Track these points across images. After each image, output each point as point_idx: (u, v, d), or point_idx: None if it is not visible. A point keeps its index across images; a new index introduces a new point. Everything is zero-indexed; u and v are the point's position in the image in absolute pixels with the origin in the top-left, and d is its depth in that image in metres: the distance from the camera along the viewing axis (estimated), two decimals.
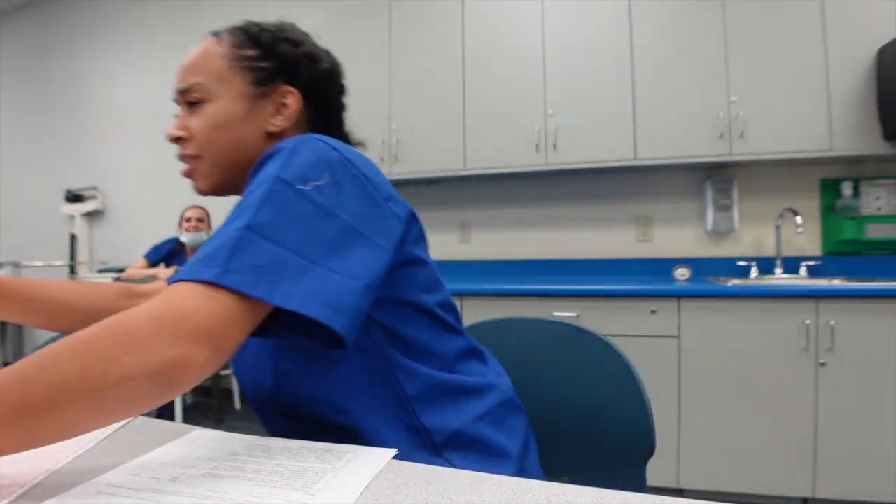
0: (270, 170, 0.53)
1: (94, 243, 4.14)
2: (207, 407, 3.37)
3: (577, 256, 2.71)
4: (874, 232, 2.23)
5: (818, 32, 2.10)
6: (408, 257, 0.60)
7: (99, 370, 0.40)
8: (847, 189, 2.28)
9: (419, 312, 0.62)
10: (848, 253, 2.31)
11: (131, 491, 0.42)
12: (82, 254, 4.10)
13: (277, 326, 0.52)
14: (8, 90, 4.56)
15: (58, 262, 4.05)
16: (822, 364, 1.83)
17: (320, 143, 0.56)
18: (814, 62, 2.11)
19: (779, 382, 1.87)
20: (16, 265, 4.10)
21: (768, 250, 2.42)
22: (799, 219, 2.22)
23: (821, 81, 2.11)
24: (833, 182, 2.33)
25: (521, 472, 0.65)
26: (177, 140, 0.67)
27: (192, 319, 0.44)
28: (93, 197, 4.07)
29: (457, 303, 2.24)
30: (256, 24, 0.72)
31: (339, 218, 0.52)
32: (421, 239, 0.65)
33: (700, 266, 2.49)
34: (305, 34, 0.74)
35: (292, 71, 0.69)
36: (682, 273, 2.35)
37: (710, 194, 2.45)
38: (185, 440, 0.55)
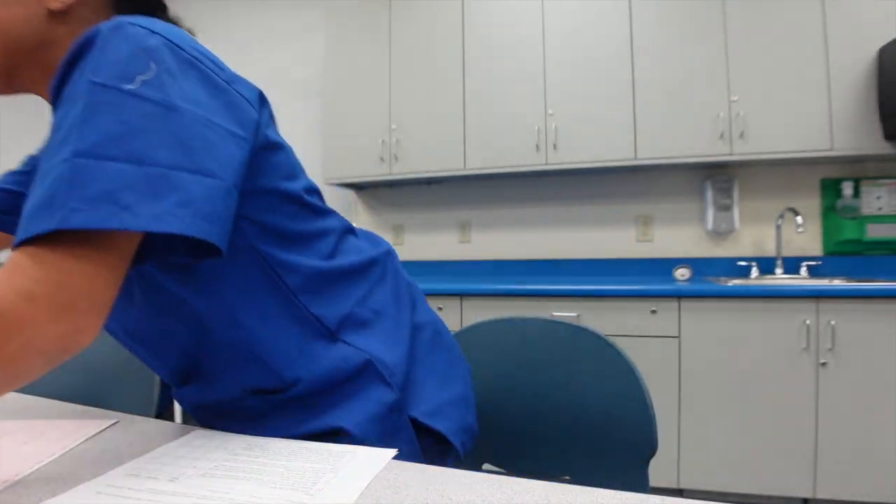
0: (80, 77, 0.43)
1: None
2: None
3: (578, 256, 2.71)
4: (875, 232, 2.23)
5: (819, 32, 2.10)
6: (265, 142, 0.55)
7: None
8: (848, 189, 2.28)
9: (286, 201, 0.57)
10: (848, 253, 2.31)
11: (131, 491, 0.42)
12: None
13: (140, 255, 0.47)
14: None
15: None
16: (823, 364, 1.83)
17: (133, 27, 0.45)
18: (814, 62, 2.11)
19: (779, 383, 1.87)
20: None
21: (769, 250, 2.42)
22: (799, 219, 2.22)
23: (821, 81, 2.10)
24: (834, 182, 2.33)
25: (413, 339, 0.66)
26: None
27: (66, 289, 0.39)
28: None
29: (456, 303, 2.24)
30: None
31: (183, 111, 0.45)
32: (273, 122, 0.59)
33: (700, 266, 2.49)
34: None
35: None
36: (682, 273, 2.34)
37: (710, 194, 2.45)
38: (185, 440, 0.55)
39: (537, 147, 2.45)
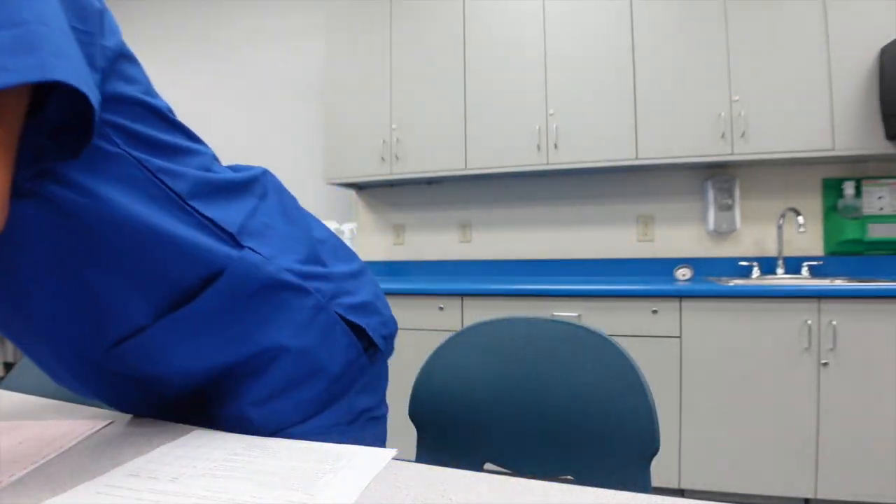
0: None
1: None
2: None
3: (579, 256, 2.70)
4: (876, 232, 2.23)
5: (820, 32, 2.10)
6: (121, 50, 0.52)
7: None
8: (849, 189, 2.27)
9: (153, 114, 0.55)
10: (850, 253, 2.30)
11: (131, 492, 0.42)
12: None
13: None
14: None
15: None
16: (824, 364, 1.83)
17: None
18: (816, 61, 2.11)
19: (780, 383, 1.87)
20: None
21: (770, 250, 2.42)
22: (801, 219, 2.21)
23: (823, 81, 2.10)
24: (835, 182, 2.33)
25: (310, 250, 0.65)
26: None
27: None
28: None
29: (457, 303, 2.24)
30: None
31: None
32: (120, 36, 0.54)
33: (701, 266, 2.49)
34: None
35: None
36: (683, 273, 2.34)
37: (711, 194, 2.45)
38: (185, 440, 0.55)
39: (538, 147, 2.45)
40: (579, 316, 2.08)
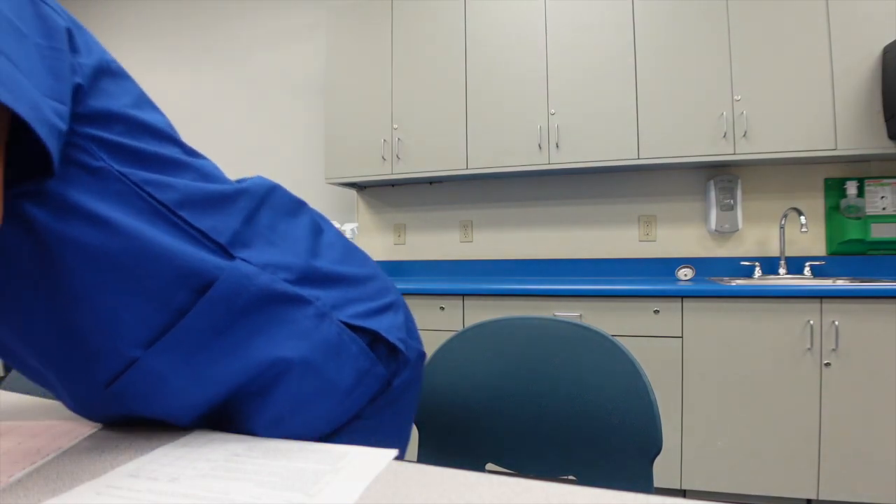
0: None
1: None
2: None
3: (580, 256, 2.70)
4: (879, 232, 2.22)
5: (822, 31, 2.09)
6: (100, 65, 0.51)
7: None
8: (851, 189, 2.27)
9: (140, 130, 0.53)
10: (852, 253, 2.30)
11: (131, 492, 0.42)
12: None
13: None
14: None
15: None
16: (827, 365, 1.83)
17: None
18: (818, 61, 2.10)
19: (783, 383, 1.87)
20: None
21: (772, 250, 2.41)
22: (803, 218, 2.21)
23: (825, 80, 2.10)
24: (837, 182, 2.32)
25: (313, 255, 0.63)
26: None
27: None
28: None
29: (458, 302, 2.24)
30: None
31: None
32: (105, 50, 0.54)
33: (703, 266, 2.48)
34: None
35: None
36: (685, 273, 2.34)
37: (713, 194, 2.44)
38: (185, 440, 0.55)
39: (539, 146, 2.45)
40: (581, 316, 2.07)
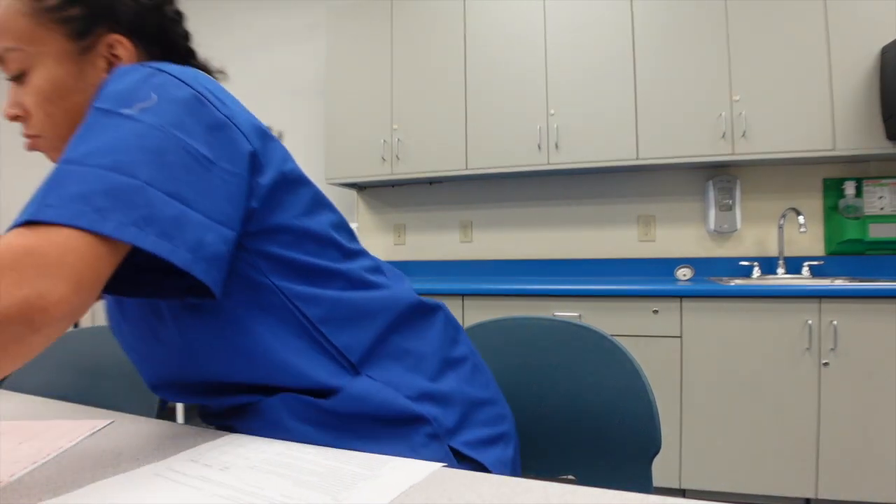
0: (90, 106, 0.48)
1: None
2: None
3: (579, 256, 2.70)
4: (877, 232, 2.22)
5: (821, 31, 2.09)
6: (278, 179, 0.55)
7: None
8: (850, 189, 2.27)
9: (306, 238, 0.57)
10: (851, 253, 2.30)
11: (184, 476, 0.45)
12: None
13: (137, 286, 0.49)
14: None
15: None
16: (825, 364, 1.83)
17: (143, 67, 0.51)
18: (817, 61, 2.10)
19: (781, 383, 1.87)
20: None
21: (771, 250, 2.42)
22: (801, 218, 2.21)
23: (824, 80, 2.10)
24: (836, 182, 2.32)
25: (440, 374, 0.63)
26: (15, 118, 0.59)
27: (32, 255, 0.39)
28: None
29: (458, 302, 2.24)
30: None
31: (173, 138, 0.46)
32: (287, 157, 0.59)
33: (702, 266, 2.49)
34: None
35: (108, 13, 0.58)
36: (684, 273, 2.34)
37: (712, 194, 2.45)
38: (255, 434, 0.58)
39: (539, 147, 2.45)
40: (580, 316, 2.08)
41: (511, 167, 2.50)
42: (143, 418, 0.66)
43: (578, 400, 0.82)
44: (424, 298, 0.67)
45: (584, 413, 0.81)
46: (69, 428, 0.61)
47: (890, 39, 2.01)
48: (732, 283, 2.12)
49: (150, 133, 0.45)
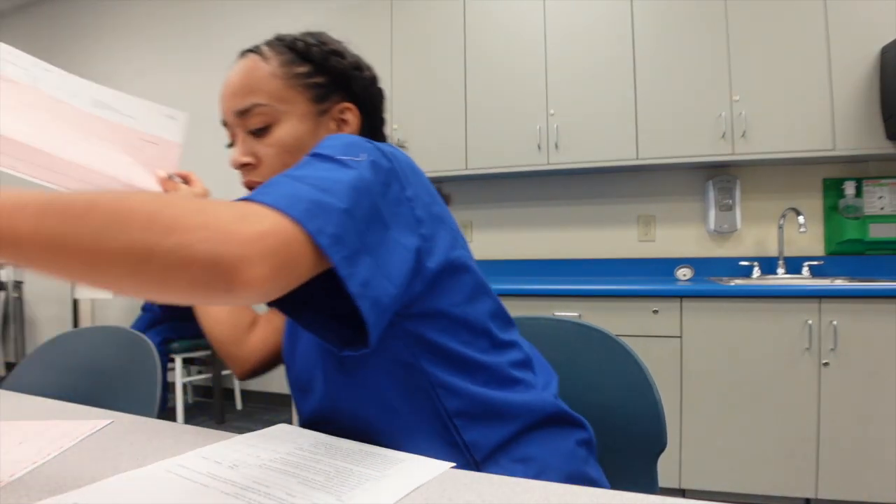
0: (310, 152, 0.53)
1: None
2: (209, 406, 3.37)
3: (579, 256, 2.70)
4: (877, 232, 2.22)
5: (821, 31, 2.09)
6: (446, 264, 0.56)
7: (148, 235, 0.36)
8: (850, 189, 2.27)
9: (463, 326, 0.58)
10: (851, 253, 2.30)
11: (194, 473, 0.46)
12: None
13: (299, 311, 0.51)
14: None
15: None
16: (825, 364, 1.83)
17: (355, 136, 0.56)
18: (816, 61, 2.10)
19: (781, 383, 1.87)
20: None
21: (771, 250, 2.42)
22: (801, 219, 2.21)
23: (823, 81, 2.10)
24: (836, 182, 2.32)
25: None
26: (243, 166, 0.66)
27: (244, 222, 0.39)
28: None
29: None
30: (298, 39, 0.69)
31: (372, 194, 0.49)
32: (455, 244, 0.60)
33: (702, 266, 2.49)
34: (339, 41, 0.73)
35: (345, 83, 0.69)
36: (684, 273, 2.34)
37: (712, 194, 2.45)
38: (268, 432, 0.58)
39: (539, 147, 2.45)
40: (580, 316, 2.08)
41: (511, 167, 2.50)
42: (143, 418, 0.66)
43: (582, 399, 0.82)
44: (567, 408, 0.65)
45: (589, 413, 0.81)
46: (69, 428, 0.61)
47: (890, 39, 2.01)
48: (732, 283, 2.12)
49: (354, 179, 0.48)
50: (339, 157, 0.50)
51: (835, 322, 1.81)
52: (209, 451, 0.52)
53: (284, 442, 0.54)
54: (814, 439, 1.83)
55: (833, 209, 2.33)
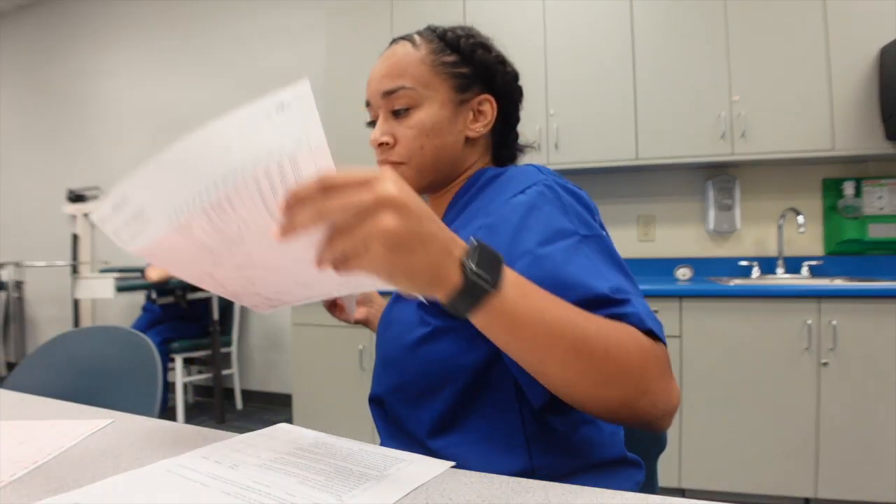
0: (557, 224, 0.55)
1: (95, 243, 4.15)
2: (209, 406, 3.37)
3: None
4: (876, 232, 2.22)
5: (820, 32, 2.10)
6: None
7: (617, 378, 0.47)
8: (849, 189, 2.27)
9: None
10: (850, 253, 2.30)
11: (194, 473, 0.46)
12: (84, 254, 4.11)
13: None
14: (9, 90, 4.57)
15: (60, 263, 4.06)
16: (824, 364, 1.83)
17: (555, 187, 0.59)
18: (816, 61, 2.10)
19: (780, 382, 1.87)
20: (17, 265, 4.11)
21: (770, 250, 2.42)
22: (801, 219, 2.21)
23: (823, 81, 2.10)
24: (835, 182, 2.32)
25: None
26: (382, 145, 0.70)
27: (665, 361, 0.50)
28: (95, 197, 4.08)
29: None
30: (448, 30, 0.74)
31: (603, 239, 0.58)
32: None
33: (702, 266, 2.49)
34: (487, 37, 0.77)
35: (488, 76, 0.72)
36: (683, 273, 2.34)
37: (711, 194, 2.45)
38: (268, 431, 0.58)
39: (539, 147, 2.44)
40: None
41: None
42: (143, 418, 0.66)
43: None
44: (628, 453, 0.67)
45: None
46: (69, 428, 0.61)
47: (889, 39, 2.01)
48: (732, 283, 2.12)
49: (620, 258, 0.57)
50: (586, 233, 0.55)
51: (834, 322, 1.82)
52: (209, 451, 0.52)
53: (284, 442, 0.55)
54: (813, 439, 1.83)
55: (832, 209, 2.33)
